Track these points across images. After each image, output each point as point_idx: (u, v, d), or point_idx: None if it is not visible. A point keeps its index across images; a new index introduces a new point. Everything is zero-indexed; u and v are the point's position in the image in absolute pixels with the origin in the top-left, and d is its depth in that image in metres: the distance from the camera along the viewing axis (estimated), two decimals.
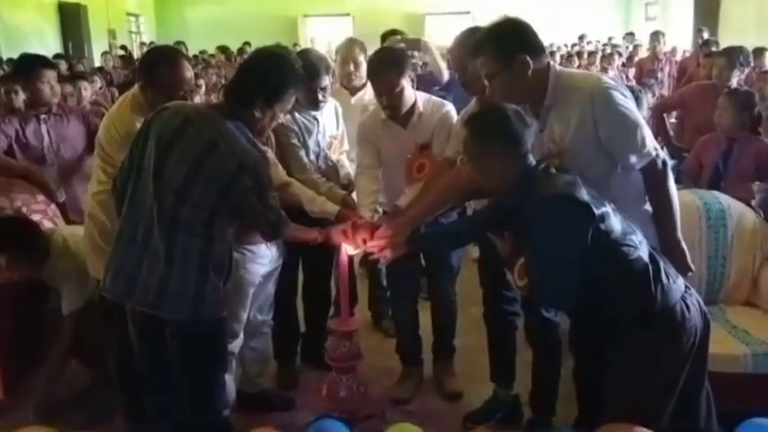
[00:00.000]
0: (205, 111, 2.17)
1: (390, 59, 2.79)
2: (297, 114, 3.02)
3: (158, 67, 2.47)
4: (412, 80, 2.90)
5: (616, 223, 1.96)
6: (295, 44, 13.24)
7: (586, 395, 2.48)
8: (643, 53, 9.37)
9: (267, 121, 2.18)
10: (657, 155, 2.16)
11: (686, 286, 2.04)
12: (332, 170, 3.14)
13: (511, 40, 2.16)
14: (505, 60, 2.13)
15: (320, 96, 2.99)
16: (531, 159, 2.07)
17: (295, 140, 3.00)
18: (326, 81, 3.02)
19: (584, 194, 1.92)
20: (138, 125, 2.27)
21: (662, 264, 2.01)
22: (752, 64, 5.52)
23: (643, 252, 1.98)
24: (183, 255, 2.06)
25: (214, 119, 2.10)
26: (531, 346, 2.79)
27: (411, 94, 2.86)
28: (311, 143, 3.06)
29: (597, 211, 1.91)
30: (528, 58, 2.12)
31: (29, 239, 2.84)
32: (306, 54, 3.09)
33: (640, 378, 1.98)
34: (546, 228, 1.92)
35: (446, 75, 4.06)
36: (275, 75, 2.14)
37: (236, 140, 2.07)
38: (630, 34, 12.68)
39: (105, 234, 2.55)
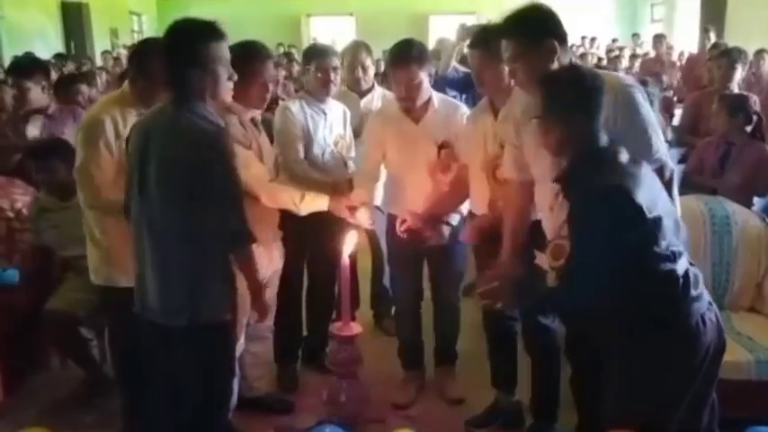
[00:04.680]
0: (159, 114, 2.14)
1: (412, 51, 2.81)
2: (305, 105, 3.08)
3: (151, 59, 2.44)
4: (430, 75, 2.91)
5: (666, 230, 1.87)
6: (291, 45, 13.19)
7: (584, 402, 2.47)
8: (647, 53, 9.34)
9: (217, 81, 2.11)
10: (666, 163, 2.14)
11: (709, 302, 1.99)
12: (337, 165, 3.15)
13: (540, 23, 2.12)
14: (533, 44, 2.09)
15: (331, 76, 3.05)
16: (603, 138, 1.94)
17: (296, 129, 3.03)
18: (337, 63, 3.10)
19: (640, 193, 1.82)
20: (106, 119, 2.37)
21: (692, 278, 1.93)
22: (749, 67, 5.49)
23: (680, 265, 1.90)
24: (174, 262, 2.09)
25: (167, 119, 2.09)
26: (529, 353, 2.77)
27: (428, 89, 2.88)
28: (318, 137, 3.09)
29: (650, 215, 1.82)
30: (556, 44, 2.09)
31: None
32: (314, 43, 3.25)
33: (648, 386, 1.93)
34: (592, 217, 1.83)
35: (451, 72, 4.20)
36: (182, 44, 2.11)
37: (190, 128, 2.04)
38: (636, 35, 12.66)
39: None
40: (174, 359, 2.18)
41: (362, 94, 3.57)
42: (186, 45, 2.09)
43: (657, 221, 1.85)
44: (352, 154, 3.28)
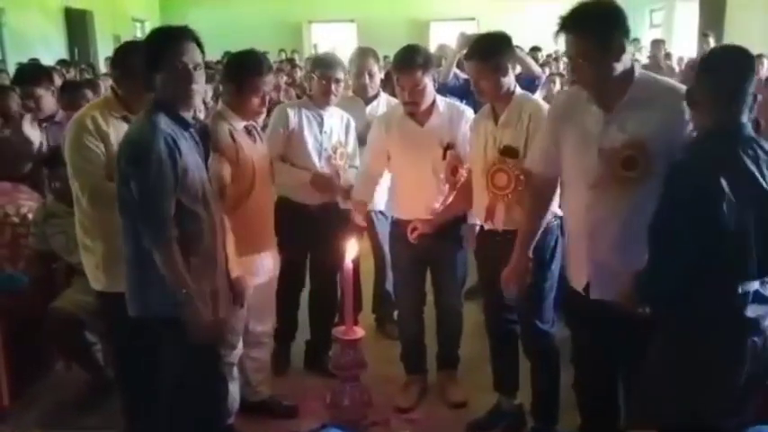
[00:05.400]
0: (137, 121, 2.21)
1: (417, 57, 2.85)
2: (303, 108, 3.19)
3: (130, 56, 2.46)
4: (434, 80, 2.96)
5: (747, 243, 1.80)
6: (294, 51, 13.23)
7: (587, 405, 2.48)
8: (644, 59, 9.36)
9: (182, 84, 2.12)
10: None
11: (763, 328, 1.92)
12: (333, 171, 3.19)
13: (611, 19, 2.05)
14: (603, 40, 2.01)
15: (332, 87, 3.13)
16: (745, 128, 1.86)
17: (280, 127, 3.13)
18: (340, 75, 3.18)
19: (734, 193, 1.75)
20: (87, 120, 2.42)
21: (751, 300, 1.87)
22: None
23: (745, 284, 1.85)
24: (126, 259, 2.20)
25: (136, 125, 2.17)
26: (528, 357, 2.80)
27: (432, 93, 2.93)
28: (312, 139, 3.16)
29: (728, 217, 1.74)
30: (625, 42, 2.05)
31: None
32: (324, 53, 3.55)
33: (682, 389, 1.93)
34: (673, 190, 1.79)
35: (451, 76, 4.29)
36: (148, 48, 2.17)
37: (128, 132, 2.17)
38: (636, 40, 12.68)
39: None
40: (151, 356, 2.26)
41: (368, 101, 3.60)
42: (152, 49, 2.15)
43: (735, 227, 1.77)
44: (356, 163, 3.31)
